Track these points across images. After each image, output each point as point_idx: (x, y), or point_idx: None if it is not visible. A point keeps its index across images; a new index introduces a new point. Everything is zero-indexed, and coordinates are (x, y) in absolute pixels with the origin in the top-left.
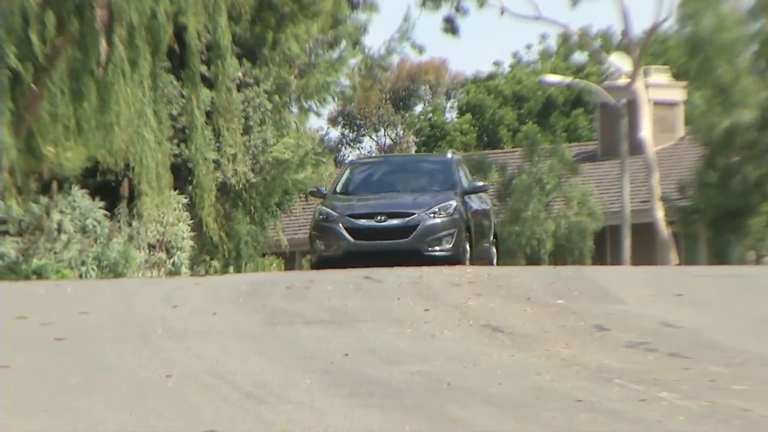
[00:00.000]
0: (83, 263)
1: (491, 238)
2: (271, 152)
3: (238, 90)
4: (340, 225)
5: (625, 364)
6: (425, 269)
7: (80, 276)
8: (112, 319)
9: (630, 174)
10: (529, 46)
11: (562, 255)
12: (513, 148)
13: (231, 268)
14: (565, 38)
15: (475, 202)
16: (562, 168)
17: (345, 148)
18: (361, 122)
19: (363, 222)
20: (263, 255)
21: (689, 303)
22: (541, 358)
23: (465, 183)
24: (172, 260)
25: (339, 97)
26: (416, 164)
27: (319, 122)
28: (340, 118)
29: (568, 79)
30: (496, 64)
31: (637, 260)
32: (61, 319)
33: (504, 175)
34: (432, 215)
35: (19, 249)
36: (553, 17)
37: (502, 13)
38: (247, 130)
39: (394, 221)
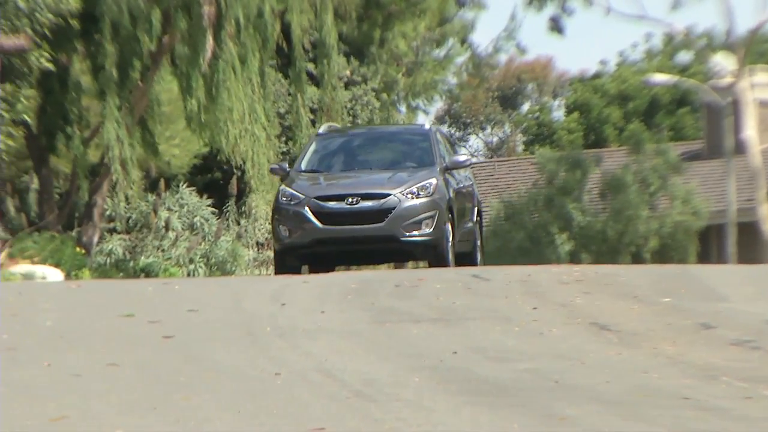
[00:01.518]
0: (191, 261)
1: (475, 217)
2: None
3: (346, 88)
4: (307, 208)
5: (731, 361)
6: (534, 268)
7: (188, 274)
8: (220, 317)
9: (735, 173)
10: (634, 46)
11: (666, 253)
12: (619, 146)
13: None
14: (669, 38)
15: (458, 179)
16: (666, 167)
17: None
18: (468, 120)
19: (332, 205)
20: None
21: None
22: (648, 356)
23: (446, 157)
24: None
25: (446, 95)
26: (391, 136)
27: (426, 120)
28: (447, 117)
29: (674, 79)
30: (602, 63)
31: (742, 259)
32: (168, 316)
33: (606, 174)
34: (410, 196)
35: (126, 246)
36: (658, 17)
37: (608, 12)
38: None
39: (368, 203)
